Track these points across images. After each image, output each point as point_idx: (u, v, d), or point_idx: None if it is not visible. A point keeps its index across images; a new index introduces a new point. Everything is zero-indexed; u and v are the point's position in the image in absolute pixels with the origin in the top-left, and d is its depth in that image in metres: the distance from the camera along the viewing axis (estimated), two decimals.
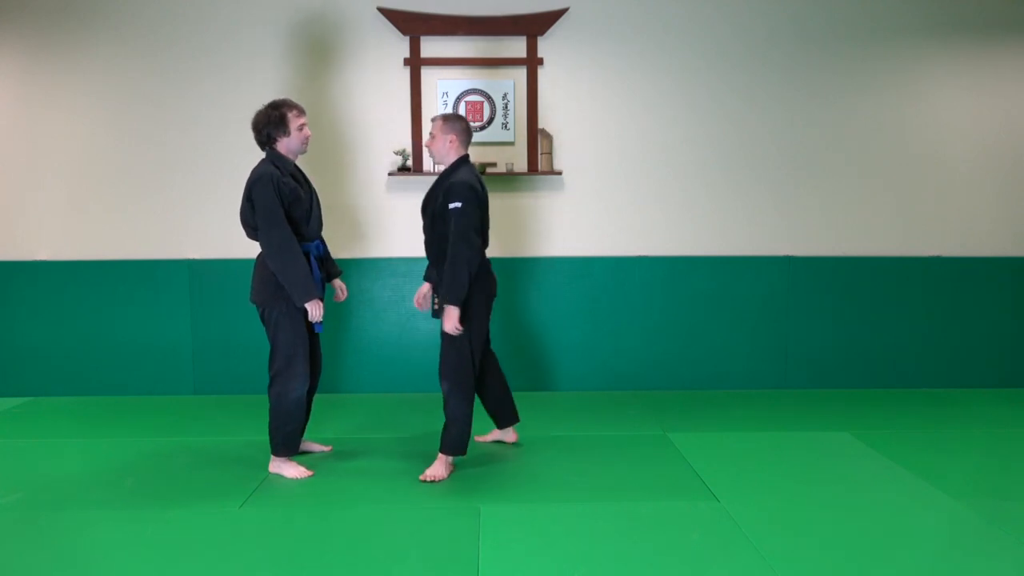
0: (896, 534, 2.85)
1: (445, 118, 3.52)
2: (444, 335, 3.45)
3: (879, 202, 4.99)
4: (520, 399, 4.64)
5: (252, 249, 4.90)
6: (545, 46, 4.83)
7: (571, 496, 3.21)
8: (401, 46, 4.81)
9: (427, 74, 4.82)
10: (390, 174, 4.78)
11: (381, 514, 3.03)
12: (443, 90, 4.81)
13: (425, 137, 4.73)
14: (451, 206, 3.35)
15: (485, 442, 3.89)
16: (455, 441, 3.47)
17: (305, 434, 3.76)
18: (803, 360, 5.01)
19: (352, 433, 4.09)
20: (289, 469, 3.47)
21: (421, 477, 3.43)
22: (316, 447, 3.79)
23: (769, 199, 4.96)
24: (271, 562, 2.63)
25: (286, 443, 3.46)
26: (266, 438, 3.85)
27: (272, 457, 3.50)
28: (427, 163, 4.82)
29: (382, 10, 4.75)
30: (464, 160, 3.52)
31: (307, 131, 3.46)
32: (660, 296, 4.95)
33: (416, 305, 3.78)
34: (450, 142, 3.49)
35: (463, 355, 3.43)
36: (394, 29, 4.78)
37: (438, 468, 3.46)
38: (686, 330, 4.97)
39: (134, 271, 4.84)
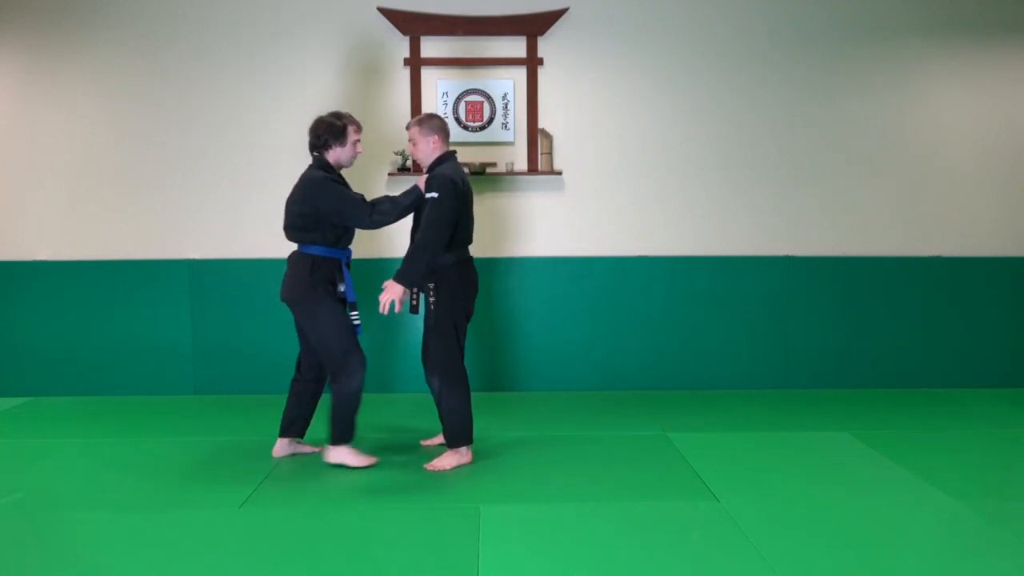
0: (896, 534, 2.85)
1: (420, 122, 3.53)
2: (428, 331, 3.47)
3: (879, 202, 4.99)
4: (520, 399, 4.65)
5: (251, 249, 4.92)
6: (545, 46, 4.83)
7: (571, 496, 3.20)
8: (401, 46, 4.81)
9: (427, 74, 4.82)
10: (390, 174, 4.78)
11: (381, 514, 3.03)
12: (443, 90, 4.81)
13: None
14: (428, 195, 3.38)
15: (431, 446, 3.87)
16: (458, 432, 3.52)
17: (305, 437, 3.77)
18: (803, 360, 5.01)
19: None
20: (355, 458, 3.52)
21: (427, 465, 3.50)
22: (308, 448, 3.78)
23: (769, 199, 4.96)
24: (271, 562, 2.63)
25: (349, 431, 3.51)
26: (265, 438, 3.87)
27: (333, 448, 3.51)
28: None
29: (382, 10, 4.75)
30: (448, 155, 3.55)
31: (360, 148, 3.57)
32: (660, 296, 4.95)
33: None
34: (432, 143, 3.52)
35: (450, 346, 3.46)
36: (394, 29, 4.78)
37: (444, 459, 3.52)
38: (686, 330, 4.97)
39: (134, 271, 4.84)
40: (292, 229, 3.49)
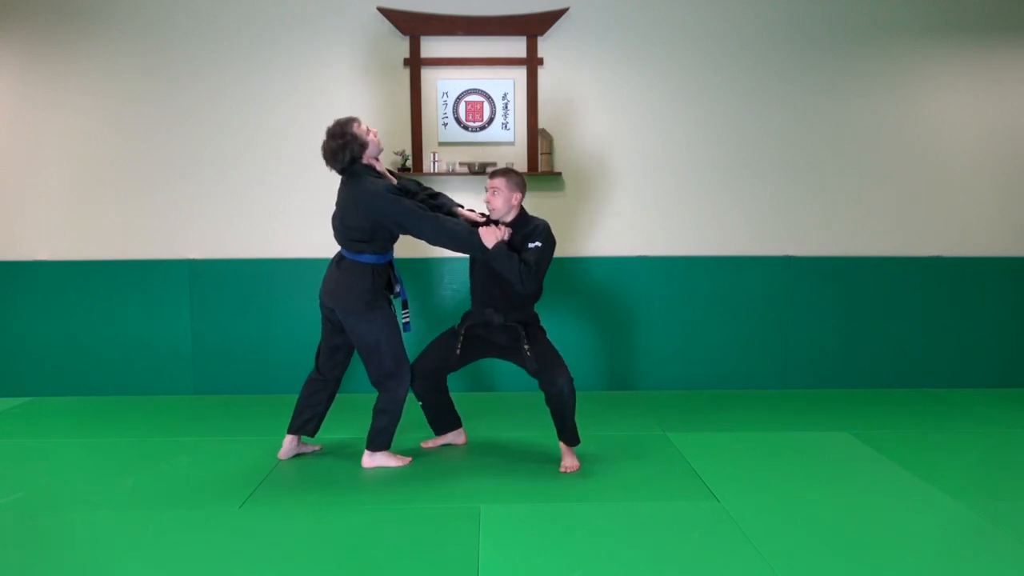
0: (896, 534, 2.85)
1: (507, 175, 3.55)
2: (536, 357, 3.47)
3: (879, 202, 4.99)
4: (520, 400, 4.65)
5: (251, 249, 4.92)
6: (545, 46, 4.83)
7: (571, 496, 3.21)
8: (401, 46, 4.81)
9: (427, 74, 4.82)
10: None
11: (381, 514, 3.03)
12: (443, 90, 4.81)
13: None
14: (531, 245, 3.47)
15: (432, 447, 3.87)
16: (576, 430, 3.57)
17: (314, 437, 3.77)
18: (803, 360, 5.01)
19: (354, 433, 4.09)
20: (394, 460, 3.57)
21: (561, 470, 3.51)
22: (310, 448, 3.79)
23: (769, 199, 4.96)
24: (271, 562, 2.63)
25: (391, 437, 3.57)
26: (265, 438, 3.86)
27: (371, 453, 3.55)
28: (427, 164, 4.82)
29: (382, 10, 4.75)
30: (524, 213, 3.62)
31: (373, 132, 3.50)
32: (660, 296, 4.95)
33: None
34: (515, 200, 3.56)
35: (556, 350, 3.53)
36: (394, 29, 4.78)
37: (573, 459, 3.56)
38: (686, 330, 4.97)
39: (134, 271, 4.84)
40: (347, 240, 3.46)
